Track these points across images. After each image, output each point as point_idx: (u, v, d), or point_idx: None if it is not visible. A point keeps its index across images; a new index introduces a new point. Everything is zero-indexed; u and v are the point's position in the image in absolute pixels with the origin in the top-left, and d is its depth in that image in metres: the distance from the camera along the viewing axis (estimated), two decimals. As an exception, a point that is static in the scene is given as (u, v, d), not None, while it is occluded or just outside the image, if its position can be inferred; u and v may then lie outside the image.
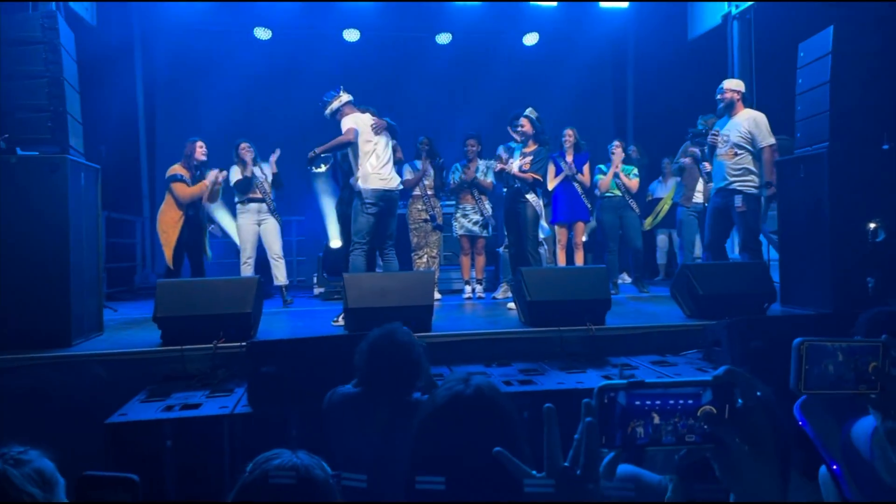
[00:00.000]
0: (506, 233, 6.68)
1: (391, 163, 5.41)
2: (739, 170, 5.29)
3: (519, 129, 5.83)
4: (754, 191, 5.27)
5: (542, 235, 6.26)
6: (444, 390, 1.40)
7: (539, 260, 5.89)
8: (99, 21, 7.34)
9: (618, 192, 6.81)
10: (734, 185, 5.29)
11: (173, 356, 3.77)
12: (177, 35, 8.80)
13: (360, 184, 5.22)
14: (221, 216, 6.82)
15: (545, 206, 6.31)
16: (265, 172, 6.34)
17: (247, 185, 6.30)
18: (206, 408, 3.14)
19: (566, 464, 0.87)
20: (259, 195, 6.36)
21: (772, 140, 5.27)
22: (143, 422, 2.98)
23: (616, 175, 6.78)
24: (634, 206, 6.86)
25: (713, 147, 5.49)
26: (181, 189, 5.83)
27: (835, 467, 1.03)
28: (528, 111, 5.77)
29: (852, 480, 1.35)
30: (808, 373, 0.96)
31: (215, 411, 3.08)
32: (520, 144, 5.92)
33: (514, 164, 5.81)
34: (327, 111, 5.33)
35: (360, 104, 5.43)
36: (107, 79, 7.55)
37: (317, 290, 7.53)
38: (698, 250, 7.21)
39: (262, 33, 9.17)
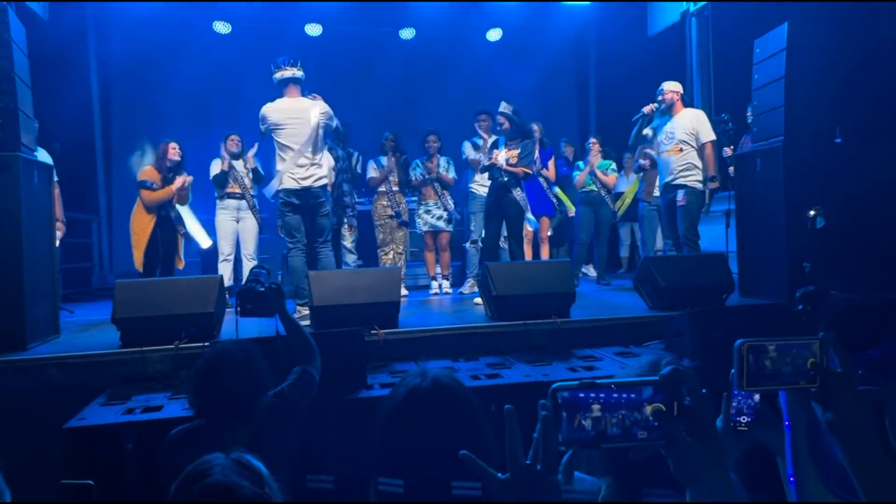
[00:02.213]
0: (471, 227, 6.69)
1: (319, 160, 5.05)
2: (684, 164, 5.52)
3: (500, 128, 5.65)
4: (698, 185, 5.47)
5: (529, 228, 6.24)
6: (402, 386, 1.39)
7: (521, 255, 5.83)
8: (51, 15, 7.10)
9: (594, 188, 7.00)
10: (678, 181, 5.53)
11: (133, 358, 3.69)
12: (132, 29, 8.53)
13: (276, 182, 5.03)
14: (186, 218, 6.67)
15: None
16: (248, 167, 6.20)
17: (223, 179, 6.17)
18: (168, 410, 3.07)
19: (528, 461, 0.89)
20: (238, 190, 6.24)
21: (713, 136, 5.52)
22: (104, 426, 2.90)
23: (592, 172, 6.95)
24: (610, 202, 7.08)
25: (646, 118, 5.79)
26: (147, 195, 5.70)
27: (786, 423, 1.12)
28: (502, 107, 5.57)
29: (803, 439, 1.45)
30: (749, 371, 1.00)
31: (178, 413, 3.01)
32: (502, 137, 5.70)
33: (500, 157, 5.56)
34: (273, 77, 5.07)
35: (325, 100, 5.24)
36: (60, 74, 7.32)
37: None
38: (659, 243, 7.34)
39: (222, 27, 8.98)
